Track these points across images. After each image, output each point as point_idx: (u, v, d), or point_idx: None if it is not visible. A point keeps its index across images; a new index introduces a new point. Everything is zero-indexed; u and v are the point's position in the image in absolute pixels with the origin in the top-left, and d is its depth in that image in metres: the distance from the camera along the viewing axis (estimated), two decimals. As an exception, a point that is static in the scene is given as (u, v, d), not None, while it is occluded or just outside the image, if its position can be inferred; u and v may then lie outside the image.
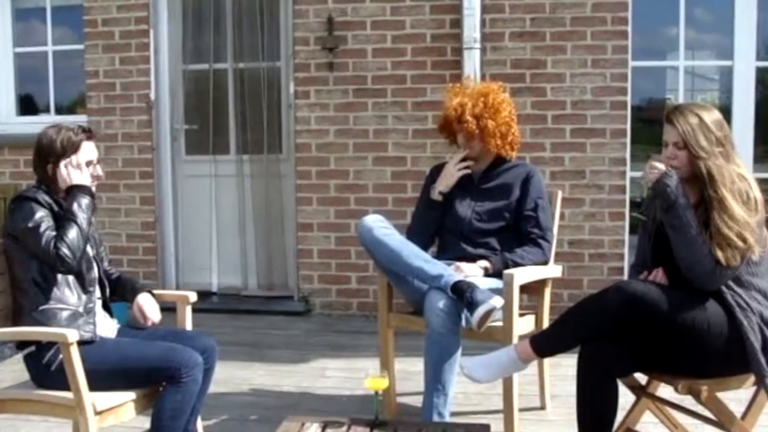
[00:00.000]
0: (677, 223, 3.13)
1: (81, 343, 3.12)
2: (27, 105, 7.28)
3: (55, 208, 3.28)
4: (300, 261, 6.61)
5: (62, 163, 3.32)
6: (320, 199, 6.52)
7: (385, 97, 6.36)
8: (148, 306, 3.48)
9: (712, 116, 3.21)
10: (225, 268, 6.93)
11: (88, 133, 3.39)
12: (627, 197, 6.12)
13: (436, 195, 4.22)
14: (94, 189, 3.39)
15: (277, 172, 6.76)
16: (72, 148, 3.32)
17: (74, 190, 3.30)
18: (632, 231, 3.43)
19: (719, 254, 3.07)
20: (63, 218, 3.23)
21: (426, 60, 6.28)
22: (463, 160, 4.21)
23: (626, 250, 6.09)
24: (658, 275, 3.27)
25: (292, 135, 6.59)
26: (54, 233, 3.18)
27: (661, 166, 3.22)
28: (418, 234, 4.18)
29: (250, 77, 6.72)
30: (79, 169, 3.34)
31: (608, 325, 3.12)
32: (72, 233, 3.19)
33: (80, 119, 6.63)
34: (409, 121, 6.33)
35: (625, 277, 5.79)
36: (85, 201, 3.29)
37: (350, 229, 6.32)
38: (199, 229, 6.94)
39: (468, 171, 4.21)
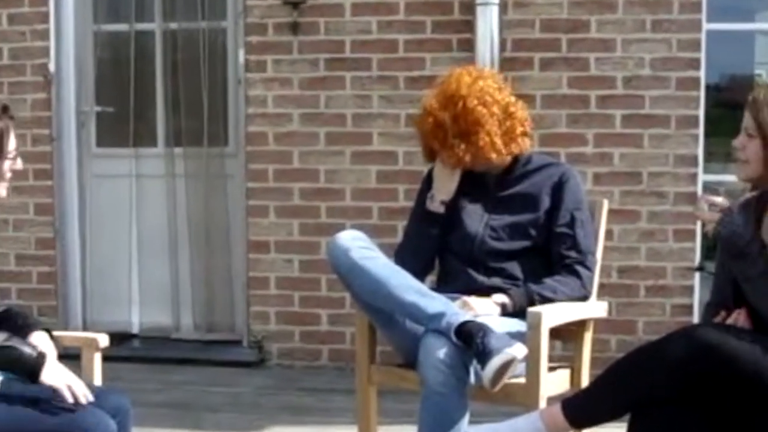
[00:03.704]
0: (752, 273, 3.18)
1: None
2: None
3: None
4: (251, 293, 6.64)
5: None
6: (280, 208, 6.54)
7: (369, 71, 6.39)
8: (42, 351, 3.46)
9: None
10: (149, 302, 6.96)
11: (9, 113, 3.41)
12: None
13: (436, 205, 4.19)
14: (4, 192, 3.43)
15: (222, 172, 6.81)
16: None
17: None
18: (708, 256, 3.43)
19: None
20: None
21: (425, 20, 6.31)
22: None
23: (697, 282, 6.12)
24: (740, 318, 3.29)
25: (242, 121, 6.62)
26: None
27: (722, 201, 3.26)
28: (411, 257, 4.16)
29: (186, 42, 6.76)
30: None
31: (671, 385, 3.13)
32: None
33: (-47, 97, 6.64)
34: (401, 104, 6.34)
35: (696, 318, 5.81)
36: None
37: (320, 250, 6.29)
38: (115, 248, 6.96)
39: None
